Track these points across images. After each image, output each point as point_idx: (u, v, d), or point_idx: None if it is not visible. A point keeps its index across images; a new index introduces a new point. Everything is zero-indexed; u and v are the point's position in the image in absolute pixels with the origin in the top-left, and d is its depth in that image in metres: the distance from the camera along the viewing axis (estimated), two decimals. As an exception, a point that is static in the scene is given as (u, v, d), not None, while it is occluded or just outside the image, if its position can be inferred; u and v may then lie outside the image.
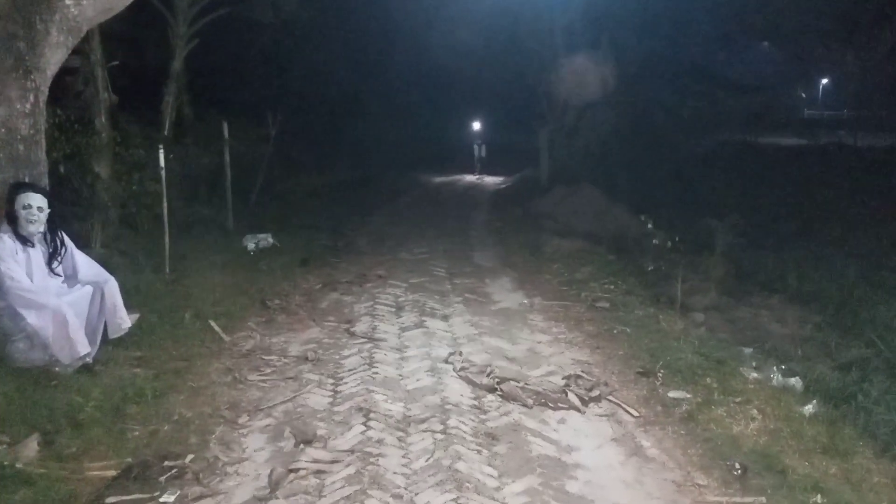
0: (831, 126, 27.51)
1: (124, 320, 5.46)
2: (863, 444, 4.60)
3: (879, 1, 18.48)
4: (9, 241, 4.99)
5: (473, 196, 19.59)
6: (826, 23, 19.78)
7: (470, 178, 24.88)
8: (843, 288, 8.58)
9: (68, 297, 5.09)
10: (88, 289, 5.27)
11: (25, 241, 5.09)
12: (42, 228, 5.19)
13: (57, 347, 4.89)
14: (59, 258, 5.31)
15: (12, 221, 5.07)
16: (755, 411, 4.94)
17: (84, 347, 4.98)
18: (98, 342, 5.23)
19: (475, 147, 25.68)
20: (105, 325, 5.36)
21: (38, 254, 5.17)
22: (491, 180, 24.11)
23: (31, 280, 5.02)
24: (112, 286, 5.40)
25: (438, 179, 24.04)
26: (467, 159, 26.08)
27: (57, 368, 4.88)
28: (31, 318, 4.84)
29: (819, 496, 3.92)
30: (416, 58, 24.81)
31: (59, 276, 5.30)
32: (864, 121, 25.30)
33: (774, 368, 5.82)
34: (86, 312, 5.16)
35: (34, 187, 5.22)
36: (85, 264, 5.46)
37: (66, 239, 5.42)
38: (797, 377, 5.65)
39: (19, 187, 5.16)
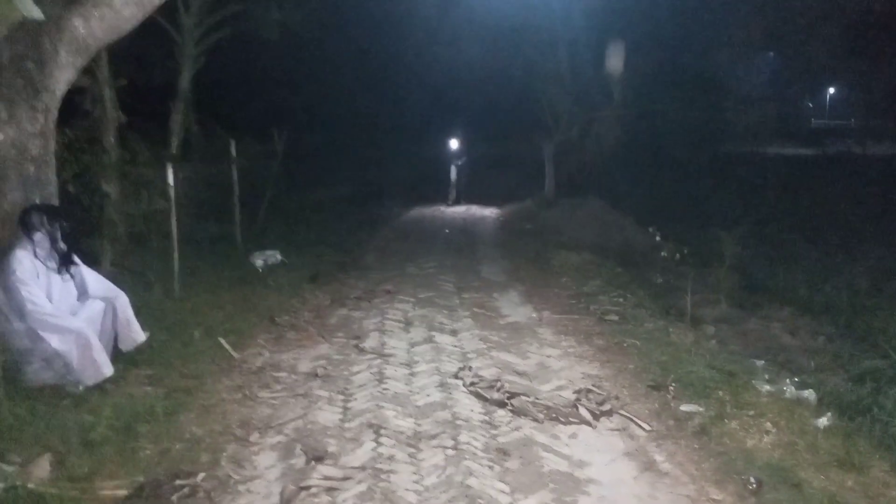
0: (839, 135, 27.44)
1: (138, 334, 5.50)
2: (879, 457, 4.54)
3: (888, 9, 18.46)
4: (28, 263, 5.00)
5: (478, 210, 19.53)
6: (833, 31, 19.77)
7: (455, 207, 19.99)
8: (854, 298, 8.54)
9: (82, 314, 5.12)
10: (100, 304, 5.29)
11: (46, 261, 5.14)
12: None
13: (81, 370, 4.91)
14: (69, 263, 5.33)
15: (33, 243, 5.10)
16: (769, 424, 4.90)
17: (108, 369, 5.02)
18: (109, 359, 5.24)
19: (453, 168, 20.35)
20: (115, 340, 5.39)
21: (55, 274, 5.20)
22: (477, 210, 19.47)
23: (50, 301, 5.04)
24: (123, 301, 5.43)
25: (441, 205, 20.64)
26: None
27: (68, 388, 4.89)
28: (55, 342, 4.86)
29: (836, 510, 3.88)
30: (420, 73, 24.83)
31: (72, 277, 5.33)
32: (872, 130, 25.24)
33: (787, 381, 5.78)
34: (99, 329, 5.19)
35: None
36: (95, 281, 5.49)
37: (75, 257, 5.44)
38: (810, 389, 5.60)
39: (59, 212, 5.32)
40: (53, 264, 5.19)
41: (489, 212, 18.91)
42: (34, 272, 5.01)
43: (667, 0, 18.00)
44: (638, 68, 19.24)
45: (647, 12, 17.99)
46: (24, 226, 5.10)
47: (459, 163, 20.28)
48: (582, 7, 17.55)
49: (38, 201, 5.34)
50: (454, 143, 20.06)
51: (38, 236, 5.10)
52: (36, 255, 5.07)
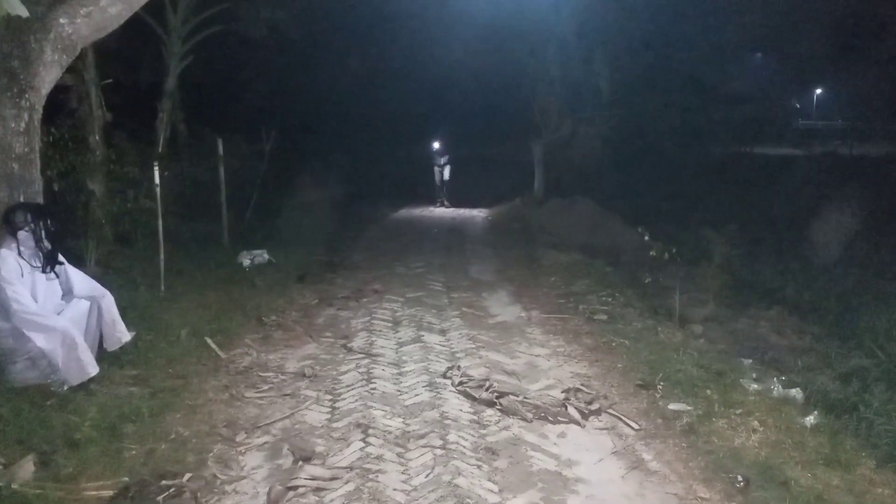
0: (826, 136, 27.55)
1: (124, 334, 5.47)
2: (865, 455, 4.58)
3: (874, 11, 18.58)
4: (13, 262, 4.95)
5: (467, 211, 19.51)
6: (820, 32, 19.88)
7: (442, 208, 19.78)
8: (841, 297, 8.57)
9: (67, 314, 5.08)
10: (85, 304, 5.26)
11: (31, 260, 5.09)
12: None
13: (66, 370, 4.87)
14: (54, 262, 5.29)
15: (17, 241, 5.04)
16: (756, 423, 4.92)
17: (93, 368, 4.98)
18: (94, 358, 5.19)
19: (436, 170, 20.09)
20: (101, 340, 5.35)
21: (40, 273, 5.16)
22: (466, 210, 19.18)
23: (35, 300, 5.00)
24: (108, 300, 5.39)
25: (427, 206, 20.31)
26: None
27: (53, 388, 4.84)
28: (40, 341, 4.81)
29: (822, 508, 3.89)
30: (410, 74, 24.77)
31: (57, 276, 5.28)
32: (858, 131, 25.35)
33: (775, 380, 5.80)
34: (84, 328, 5.15)
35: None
36: (80, 280, 5.44)
37: (60, 256, 5.40)
38: (798, 388, 5.63)
39: (43, 210, 5.25)
40: (38, 263, 5.15)
41: (478, 212, 18.78)
42: (19, 271, 4.96)
43: (655, 1, 18.06)
44: (627, 69, 19.30)
45: (635, 13, 18.05)
46: (8, 224, 5.05)
47: (442, 161, 20.08)
48: (571, 8, 17.60)
49: (22, 199, 5.28)
50: (436, 145, 19.95)
51: (23, 235, 5.05)
52: (20, 254, 5.03)
